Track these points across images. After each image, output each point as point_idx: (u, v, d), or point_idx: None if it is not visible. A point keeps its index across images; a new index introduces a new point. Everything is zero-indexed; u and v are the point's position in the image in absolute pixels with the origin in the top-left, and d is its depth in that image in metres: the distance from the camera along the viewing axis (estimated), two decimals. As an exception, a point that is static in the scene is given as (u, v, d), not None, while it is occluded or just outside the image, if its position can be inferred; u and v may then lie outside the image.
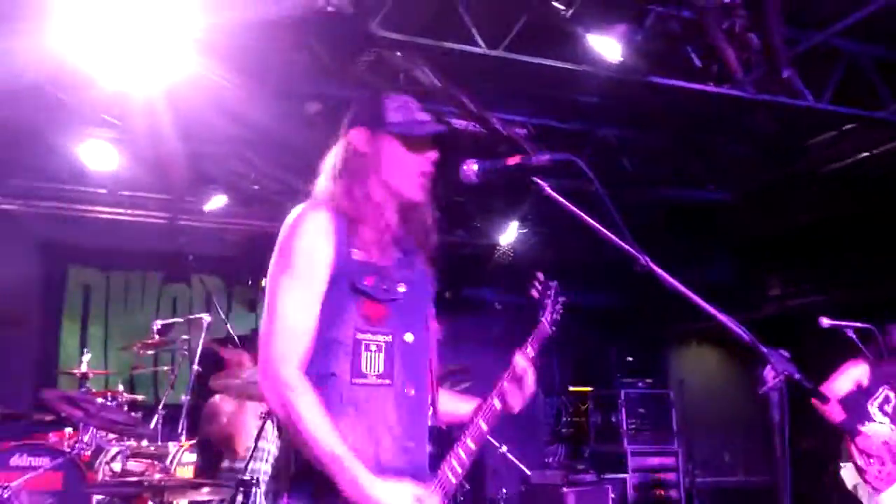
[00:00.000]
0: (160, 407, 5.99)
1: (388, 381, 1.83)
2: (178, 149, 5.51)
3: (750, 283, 8.04)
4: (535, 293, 2.31)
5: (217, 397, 4.29)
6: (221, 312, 6.24)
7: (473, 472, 5.96)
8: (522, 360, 2.10)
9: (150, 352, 6.41)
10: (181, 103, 4.90)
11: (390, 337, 1.85)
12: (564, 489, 6.42)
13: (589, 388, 8.10)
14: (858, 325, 4.67)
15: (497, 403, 2.03)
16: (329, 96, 5.39)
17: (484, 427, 1.97)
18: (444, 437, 1.98)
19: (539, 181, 2.11)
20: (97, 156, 5.67)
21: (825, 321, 4.59)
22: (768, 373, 2.11)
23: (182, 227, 6.93)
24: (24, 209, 6.52)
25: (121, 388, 5.97)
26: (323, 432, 1.71)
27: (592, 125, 6.31)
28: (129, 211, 6.76)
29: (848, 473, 4.57)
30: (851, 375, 4.66)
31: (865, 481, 4.44)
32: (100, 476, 5.41)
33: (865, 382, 4.64)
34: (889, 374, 4.67)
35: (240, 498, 3.33)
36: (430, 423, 1.93)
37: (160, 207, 6.73)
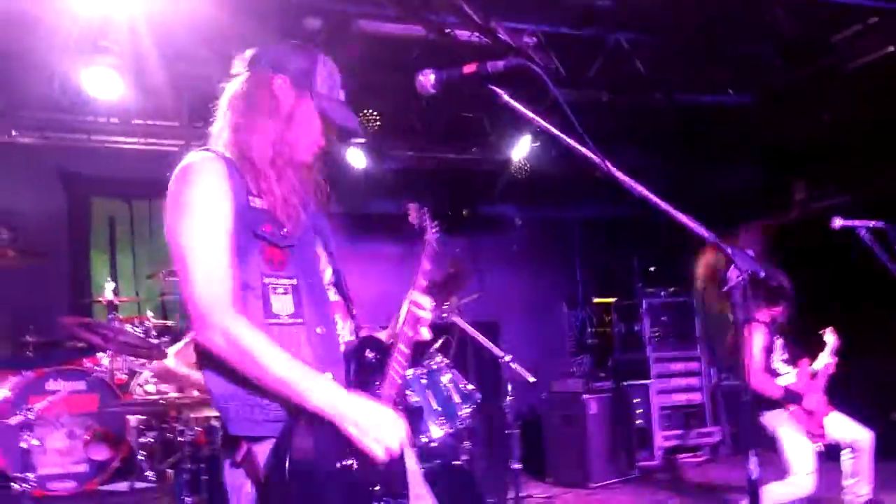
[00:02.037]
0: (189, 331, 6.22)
1: (300, 320, 1.88)
2: (174, 74, 5.51)
3: (774, 187, 7.87)
4: (412, 220, 2.41)
5: None
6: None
7: (491, 383, 6.12)
8: (416, 297, 2.15)
9: (176, 278, 6.61)
10: (166, 25, 4.85)
11: (295, 280, 1.90)
12: (585, 396, 6.55)
13: (612, 299, 8.14)
14: (872, 224, 4.57)
15: (414, 308, 2.12)
16: (327, 11, 5.30)
17: (409, 333, 2.08)
18: (378, 344, 2.09)
19: (495, 89, 2.09)
20: (100, 83, 5.65)
21: (837, 221, 4.50)
22: (732, 272, 2.13)
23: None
24: (42, 142, 6.62)
25: (149, 314, 6.19)
26: (279, 353, 1.77)
27: (605, 31, 6.10)
28: (142, 139, 6.82)
29: (771, 420, 4.48)
30: (758, 344, 4.55)
31: (813, 434, 4.38)
32: (134, 397, 5.69)
33: (765, 342, 4.56)
34: (775, 323, 4.62)
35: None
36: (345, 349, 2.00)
37: (171, 135, 6.77)
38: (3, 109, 6.02)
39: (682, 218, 2.11)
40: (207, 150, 1.95)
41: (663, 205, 2.11)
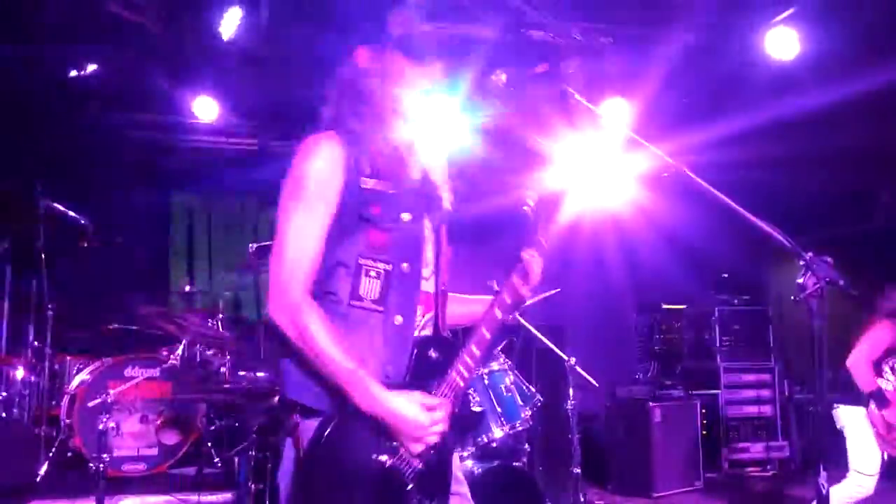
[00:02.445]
0: (261, 323, 6.38)
1: (380, 308, 1.91)
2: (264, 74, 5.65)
3: (859, 193, 7.59)
4: (526, 208, 2.21)
5: None
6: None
7: (553, 386, 6.06)
8: (529, 253, 2.11)
9: (249, 274, 6.79)
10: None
11: (390, 266, 1.93)
12: (651, 404, 6.43)
13: (683, 306, 7.97)
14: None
15: (498, 313, 2.04)
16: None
17: (487, 335, 2.00)
18: (449, 346, 2.02)
19: (568, 88, 2.09)
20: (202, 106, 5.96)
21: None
22: (808, 279, 2.07)
23: (274, 153, 7.14)
24: (129, 140, 6.88)
25: (221, 305, 6.37)
26: (333, 349, 1.81)
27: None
28: (222, 139, 7.02)
29: (845, 415, 4.40)
30: (877, 340, 4.41)
31: (882, 445, 4.29)
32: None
33: (890, 342, 4.39)
34: None
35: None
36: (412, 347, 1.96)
37: (250, 134, 6.95)
38: (96, 110, 6.28)
39: (762, 224, 2.07)
40: (329, 130, 1.98)
41: (738, 208, 2.07)
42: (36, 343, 5.65)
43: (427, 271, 2.03)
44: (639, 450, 6.39)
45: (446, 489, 1.97)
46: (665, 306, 8.10)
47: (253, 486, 3.66)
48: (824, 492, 2.06)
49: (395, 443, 1.83)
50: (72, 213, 5.61)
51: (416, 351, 1.95)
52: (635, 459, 6.41)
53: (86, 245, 5.46)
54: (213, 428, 5.69)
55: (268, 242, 6.63)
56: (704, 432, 6.94)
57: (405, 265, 1.95)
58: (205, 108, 6.22)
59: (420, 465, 1.86)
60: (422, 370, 1.94)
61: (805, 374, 7.61)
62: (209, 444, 5.63)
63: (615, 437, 6.65)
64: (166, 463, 5.62)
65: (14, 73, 5.64)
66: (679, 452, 6.52)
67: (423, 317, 2.03)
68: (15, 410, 5.50)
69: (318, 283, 1.91)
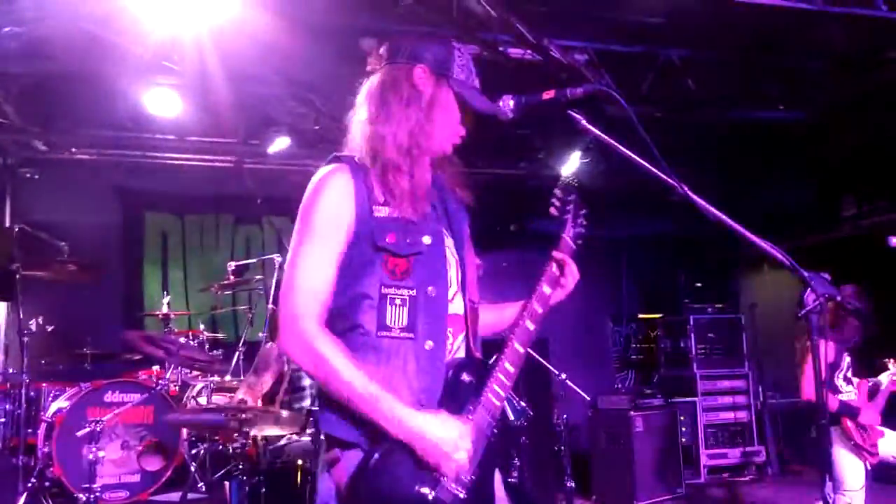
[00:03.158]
0: (241, 344, 6.32)
1: (411, 336, 1.88)
2: (235, 93, 5.61)
3: (824, 203, 7.78)
4: (553, 210, 2.26)
5: (269, 345, 4.45)
6: (291, 251, 6.45)
7: (539, 398, 6.10)
8: (558, 257, 2.13)
9: (227, 292, 6.72)
10: (231, 46, 4.98)
11: (414, 291, 1.89)
12: (632, 413, 6.51)
13: (658, 315, 8.09)
14: (930, 242, 4.52)
15: (531, 325, 2.05)
16: (381, 32, 5.38)
17: (520, 350, 2.00)
18: (481, 366, 1.99)
19: (574, 114, 2.12)
20: (160, 102, 5.84)
21: (894, 240, 4.48)
22: (808, 296, 2.12)
23: (249, 170, 7.11)
24: (99, 158, 6.80)
25: (202, 327, 6.29)
26: (352, 373, 1.77)
27: (656, 47, 6.10)
28: (196, 156, 6.97)
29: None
30: (825, 359, 4.53)
31: (863, 455, 4.41)
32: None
33: (832, 358, 4.58)
34: (846, 339, 4.62)
35: (310, 430, 3.51)
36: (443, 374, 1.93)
37: (226, 151, 6.91)
38: (67, 128, 6.19)
39: (759, 242, 2.12)
40: (338, 157, 1.97)
41: (739, 228, 2.11)
42: (11, 370, 5.52)
43: (451, 291, 1.99)
44: (621, 459, 6.46)
45: None
46: (641, 316, 8.22)
47: (248, 511, 3.62)
48: (830, 499, 2.10)
49: (435, 473, 1.79)
50: (44, 235, 5.51)
51: (449, 374, 1.91)
52: (618, 469, 6.47)
53: (63, 267, 5.35)
54: (195, 452, 5.61)
55: (247, 261, 6.62)
56: (683, 440, 7.05)
57: (430, 289, 1.92)
58: (177, 126, 6.17)
59: (463, 494, 1.82)
60: (455, 394, 1.91)
61: (778, 379, 7.77)
62: (192, 469, 5.55)
63: (598, 447, 6.71)
64: (149, 489, 5.51)
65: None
66: (660, 460, 6.61)
67: (456, 339, 1.99)
68: (-10, 440, 5.38)
69: (344, 318, 1.88)
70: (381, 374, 1.84)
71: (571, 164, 7.19)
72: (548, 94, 2.09)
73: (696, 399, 7.37)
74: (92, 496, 3.71)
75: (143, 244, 7.59)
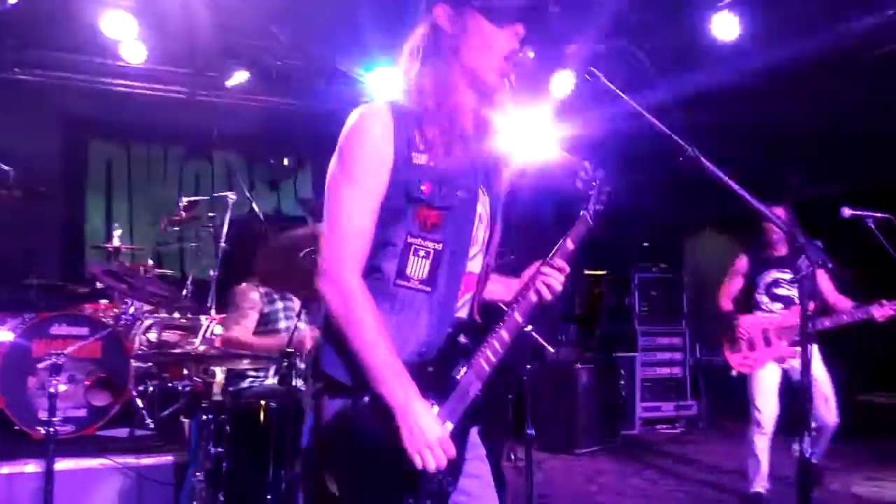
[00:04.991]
0: (188, 282, 6.19)
1: (428, 289, 1.88)
2: (194, 21, 5.39)
3: (768, 172, 8.03)
4: (579, 183, 2.22)
5: (244, 285, 4.39)
6: (245, 190, 6.32)
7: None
8: (559, 263, 2.10)
9: (175, 228, 6.56)
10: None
11: (440, 245, 1.87)
12: (577, 366, 6.70)
13: (603, 272, 8.29)
14: (878, 215, 4.73)
15: (533, 297, 2.05)
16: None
17: (519, 319, 2.00)
18: (479, 330, 1.99)
19: (594, 70, 2.13)
20: (118, 27, 5.59)
21: (847, 211, 4.64)
22: (802, 262, 2.21)
23: (202, 103, 6.88)
24: (44, 81, 6.46)
25: (150, 262, 6.13)
26: (378, 338, 1.78)
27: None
28: (149, 85, 6.69)
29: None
30: (737, 271, 5.09)
31: (732, 367, 4.91)
32: (136, 345, 5.67)
33: (748, 270, 5.02)
34: (775, 260, 4.96)
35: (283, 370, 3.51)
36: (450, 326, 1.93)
37: (181, 82, 6.66)
38: (13, 46, 5.84)
39: (762, 208, 2.20)
40: (378, 103, 1.90)
41: (744, 193, 2.19)
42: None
43: (474, 250, 1.98)
44: (564, 410, 6.66)
45: (460, 466, 1.93)
46: (587, 272, 8.39)
47: (213, 449, 3.60)
48: (807, 456, 2.22)
49: (403, 445, 1.79)
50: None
51: (449, 336, 1.92)
52: (560, 419, 6.68)
53: (8, 193, 5.11)
54: (143, 389, 5.52)
55: (199, 197, 6.44)
56: (623, 393, 7.31)
57: (455, 245, 1.91)
58: (133, 52, 5.90)
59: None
60: (451, 353, 1.92)
61: (711, 338, 8.09)
62: (141, 405, 5.46)
63: (542, 397, 6.88)
64: (96, 424, 5.39)
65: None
66: (600, 412, 6.85)
67: (463, 297, 1.99)
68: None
69: (366, 261, 1.87)
70: (392, 321, 1.84)
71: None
72: (570, 49, 2.09)
73: (636, 354, 7.63)
74: (52, 429, 3.61)
75: (87, 173, 7.29)
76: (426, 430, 1.78)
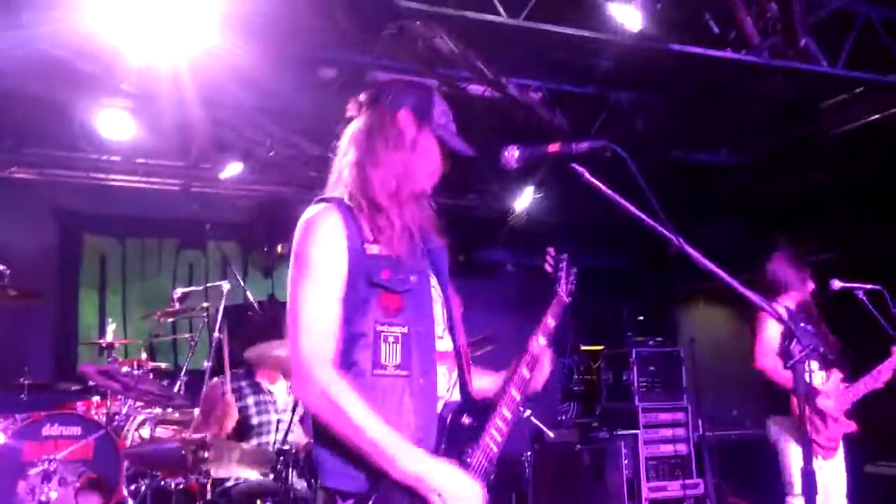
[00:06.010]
0: (182, 373, 6.13)
1: (405, 373, 1.91)
2: (197, 117, 5.52)
3: (758, 242, 8.09)
4: (548, 267, 2.45)
5: (214, 381, 4.35)
6: (239, 278, 6.33)
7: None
8: (538, 344, 2.22)
9: (169, 319, 6.52)
10: (199, 72, 4.91)
11: (406, 328, 1.93)
12: (580, 446, 6.58)
13: (601, 348, 8.23)
14: (869, 286, 4.72)
15: (525, 372, 2.15)
16: (344, 62, 5.38)
17: (517, 396, 2.07)
18: (480, 409, 2.03)
19: (578, 168, 2.18)
20: (114, 125, 5.72)
21: (837, 283, 4.64)
22: (794, 347, 2.20)
23: (196, 194, 6.96)
24: (39, 178, 6.54)
25: (143, 356, 6.07)
26: (370, 418, 1.79)
27: (607, 89, 6.29)
28: (143, 178, 6.78)
29: (777, 425, 4.26)
30: (773, 328, 4.32)
31: (818, 445, 4.06)
32: (129, 442, 5.56)
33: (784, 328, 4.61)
34: (803, 310, 4.53)
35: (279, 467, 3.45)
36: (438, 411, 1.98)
37: (174, 175, 6.75)
38: (9, 147, 5.94)
39: (749, 294, 2.21)
40: (325, 199, 2.01)
41: (729, 279, 2.20)
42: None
43: (440, 329, 2.05)
44: (568, 493, 6.52)
45: None
46: (584, 348, 8.34)
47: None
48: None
49: None
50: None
51: (450, 418, 1.95)
52: (564, 501, 6.53)
53: (3, 292, 5.10)
54: (135, 488, 5.39)
55: (192, 288, 6.44)
56: (627, 472, 7.15)
57: (420, 326, 1.97)
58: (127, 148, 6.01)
59: None
60: (455, 437, 1.94)
61: (714, 413, 7.98)
62: (132, 504, 5.33)
63: (543, 480, 6.75)
64: (86, 527, 5.26)
65: None
66: (606, 494, 6.69)
67: (451, 378, 2.04)
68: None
69: (339, 356, 1.89)
70: (379, 413, 1.84)
71: (524, 199, 7.31)
72: (553, 147, 2.15)
73: (637, 432, 7.49)
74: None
75: (81, 268, 7.29)
76: (459, 486, 1.80)
